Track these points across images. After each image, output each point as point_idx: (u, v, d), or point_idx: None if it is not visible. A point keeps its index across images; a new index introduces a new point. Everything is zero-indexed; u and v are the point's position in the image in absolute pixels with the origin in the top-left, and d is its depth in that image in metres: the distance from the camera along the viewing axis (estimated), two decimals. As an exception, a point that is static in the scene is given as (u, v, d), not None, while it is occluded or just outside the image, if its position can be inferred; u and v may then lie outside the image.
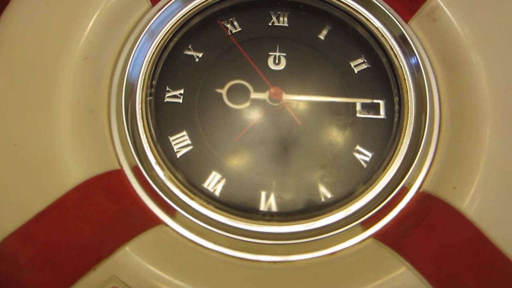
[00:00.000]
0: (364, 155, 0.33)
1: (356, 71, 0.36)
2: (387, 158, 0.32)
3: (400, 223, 0.31)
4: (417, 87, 0.34)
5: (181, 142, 0.34)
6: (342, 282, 0.28)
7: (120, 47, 0.35)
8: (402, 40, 0.35)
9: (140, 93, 0.33)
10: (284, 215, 0.31)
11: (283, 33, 0.38)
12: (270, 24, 0.38)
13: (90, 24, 0.33)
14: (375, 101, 0.35)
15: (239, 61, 0.36)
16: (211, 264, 0.29)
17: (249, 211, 0.31)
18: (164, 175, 0.31)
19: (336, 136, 0.34)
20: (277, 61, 0.36)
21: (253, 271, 0.30)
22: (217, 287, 0.28)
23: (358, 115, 0.35)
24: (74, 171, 0.30)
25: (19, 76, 0.31)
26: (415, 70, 0.34)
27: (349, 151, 0.34)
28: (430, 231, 0.29)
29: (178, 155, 0.33)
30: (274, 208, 0.32)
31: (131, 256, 0.28)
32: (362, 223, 0.31)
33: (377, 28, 0.36)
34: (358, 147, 0.34)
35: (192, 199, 0.31)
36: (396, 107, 0.34)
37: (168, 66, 0.35)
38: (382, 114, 0.35)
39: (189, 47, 0.37)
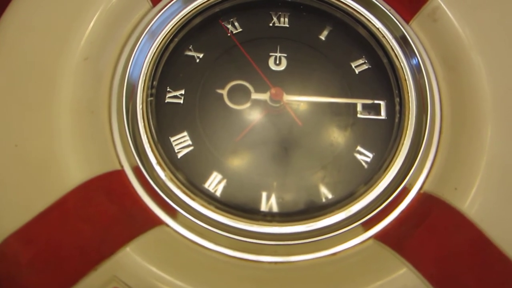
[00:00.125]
0: (365, 156, 0.33)
1: (357, 71, 0.36)
2: (388, 159, 0.32)
3: (401, 223, 0.31)
4: (418, 87, 0.34)
5: (182, 143, 0.34)
6: (342, 283, 0.28)
7: (121, 48, 0.35)
8: (403, 41, 0.35)
9: (141, 93, 0.33)
10: (285, 216, 0.31)
11: (283, 33, 0.38)
12: (270, 24, 0.38)
13: (91, 24, 0.33)
14: (376, 101, 0.35)
15: (240, 62, 0.36)
16: (212, 264, 0.29)
17: (250, 212, 0.31)
18: (165, 175, 0.31)
19: (337, 136, 0.34)
20: (277, 62, 0.36)
21: (254, 271, 0.30)
22: (218, 287, 0.28)
23: (359, 115, 0.35)
24: (74, 171, 0.30)
25: (19, 77, 0.31)
26: (416, 71, 0.34)
27: (350, 152, 0.34)
28: (431, 232, 0.29)
29: (179, 155, 0.33)
30: (275, 209, 0.32)
31: (132, 256, 0.28)
32: (363, 224, 0.31)
33: (378, 28, 0.36)
34: (359, 148, 0.34)
35: (193, 199, 0.31)
36: (397, 107, 0.34)
37: (169, 66, 0.35)
38: (383, 115, 0.35)
39: (190, 47, 0.37)
